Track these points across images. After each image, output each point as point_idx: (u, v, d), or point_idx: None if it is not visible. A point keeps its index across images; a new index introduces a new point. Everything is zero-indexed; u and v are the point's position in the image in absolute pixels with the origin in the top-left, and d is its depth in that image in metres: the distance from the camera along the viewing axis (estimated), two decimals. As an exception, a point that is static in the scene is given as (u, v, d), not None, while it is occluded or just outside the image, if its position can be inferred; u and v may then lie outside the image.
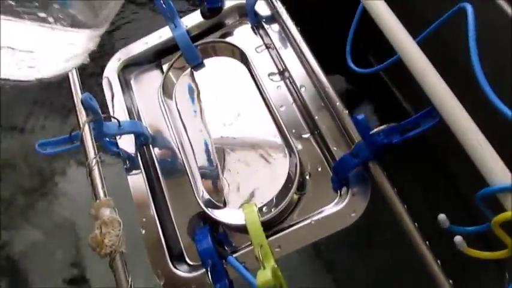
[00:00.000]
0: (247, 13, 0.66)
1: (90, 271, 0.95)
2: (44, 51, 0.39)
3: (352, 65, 0.54)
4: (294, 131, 0.57)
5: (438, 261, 0.43)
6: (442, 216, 0.40)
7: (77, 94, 0.50)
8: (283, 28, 0.61)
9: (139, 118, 0.64)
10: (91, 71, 0.99)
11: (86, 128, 0.48)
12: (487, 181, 0.36)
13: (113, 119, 0.54)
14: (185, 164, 0.57)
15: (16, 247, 1.01)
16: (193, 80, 0.65)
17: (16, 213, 1.04)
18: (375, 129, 0.43)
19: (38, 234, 1.02)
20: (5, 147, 1.14)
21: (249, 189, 0.55)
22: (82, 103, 0.49)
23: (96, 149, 0.47)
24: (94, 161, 0.45)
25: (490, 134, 0.37)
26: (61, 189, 1.05)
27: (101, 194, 0.43)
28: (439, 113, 0.39)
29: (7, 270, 0.99)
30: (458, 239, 0.39)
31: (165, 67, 0.67)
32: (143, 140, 0.61)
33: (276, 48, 0.61)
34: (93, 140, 0.47)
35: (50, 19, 0.37)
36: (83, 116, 0.49)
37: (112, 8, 0.42)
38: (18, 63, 0.38)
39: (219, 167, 0.58)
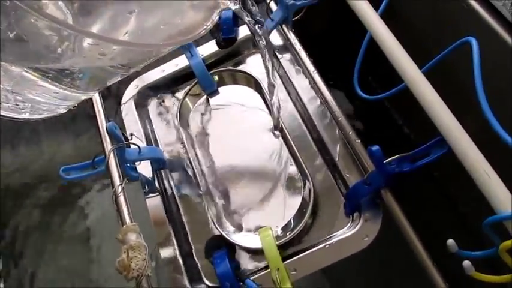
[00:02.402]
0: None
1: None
2: (43, 100, 0.41)
3: (359, 91, 0.57)
4: (307, 157, 0.59)
5: (447, 283, 0.45)
6: (451, 241, 0.42)
7: (102, 123, 0.53)
8: (296, 58, 0.63)
9: (156, 143, 0.66)
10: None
11: (111, 155, 0.50)
12: (494, 209, 0.38)
13: (133, 146, 0.56)
14: (201, 188, 0.59)
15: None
16: (209, 106, 0.68)
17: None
18: (388, 159, 0.46)
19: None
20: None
21: (265, 214, 0.57)
22: (107, 132, 0.51)
23: (121, 175, 0.49)
24: (120, 187, 0.48)
25: (490, 156, 0.39)
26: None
27: (127, 220, 0.46)
28: (448, 144, 0.42)
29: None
30: (466, 264, 0.41)
31: (181, 94, 0.69)
32: (161, 165, 0.63)
33: (288, 77, 0.64)
34: (119, 166, 0.50)
35: (62, 83, 0.39)
36: (108, 144, 0.51)
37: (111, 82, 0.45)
38: (14, 106, 0.40)
39: (234, 191, 0.60)
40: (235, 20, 0.69)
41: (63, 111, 0.45)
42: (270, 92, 0.60)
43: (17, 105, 0.40)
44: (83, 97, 0.43)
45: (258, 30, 0.58)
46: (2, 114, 0.40)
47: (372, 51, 0.50)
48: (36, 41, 0.33)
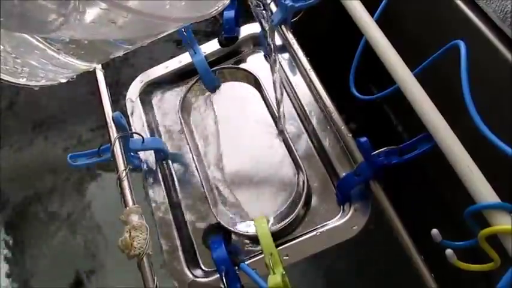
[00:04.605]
0: (260, 43, 0.73)
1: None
2: (41, 66, 0.41)
3: (355, 92, 0.59)
4: (301, 151, 0.63)
5: (432, 274, 0.47)
6: (434, 231, 0.44)
7: (108, 112, 0.56)
8: (294, 57, 0.66)
9: (159, 135, 0.70)
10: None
11: (117, 143, 0.53)
12: (475, 200, 0.40)
13: (137, 136, 0.59)
14: (201, 178, 0.62)
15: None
16: (210, 102, 0.71)
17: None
18: (376, 151, 0.49)
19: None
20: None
21: (260, 203, 0.60)
22: (113, 121, 0.54)
23: (125, 161, 0.52)
24: (124, 172, 0.50)
25: (478, 158, 0.41)
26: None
27: (130, 202, 0.48)
28: (434, 139, 0.44)
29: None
30: (449, 252, 0.43)
31: (183, 89, 0.72)
32: (163, 156, 0.66)
33: (286, 76, 0.67)
34: (123, 153, 0.52)
35: (59, 49, 0.39)
36: (113, 132, 0.54)
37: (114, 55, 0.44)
38: (13, 69, 0.40)
39: (232, 182, 0.63)
40: (237, 20, 0.72)
41: (61, 81, 0.45)
42: (274, 76, 0.62)
43: (16, 68, 0.39)
44: (84, 68, 0.44)
45: (264, 13, 0.59)
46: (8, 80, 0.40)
47: (372, 56, 0.52)
48: (40, 8, 0.32)
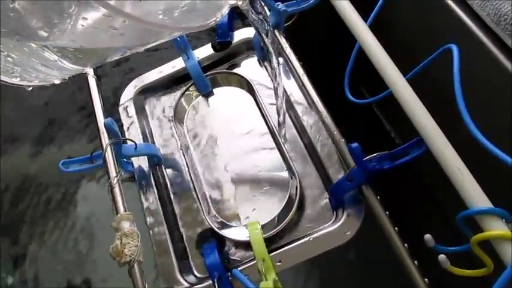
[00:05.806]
0: (254, 47, 0.73)
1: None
2: (34, 66, 0.40)
3: (349, 96, 0.59)
4: (295, 156, 0.63)
5: (426, 279, 0.47)
6: (427, 236, 0.44)
7: (100, 119, 0.56)
8: (287, 62, 0.66)
9: (152, 141, 0.69)
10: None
11: (108, 149, 0.53)
12: (467, 204, 0.40)
13: (130, 142, 0.59)
14: (194, 184, 0.62)
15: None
16: (203, 107, 0.71)
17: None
18: (368, 156, 0.48)
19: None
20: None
21: (253, 209, 0.60)
22: (105, 127, 0.54)
23: (117, 168, 0.52)
24: (115, 179, 0.50)
25: (471, 162, 0.41)
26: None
27: (121, 209, 0.48)
28: (426, 144, 0.44)
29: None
30: (442, 257, 0.42)
31: (177, 95, 0.72)
32: (156, 161, 0.66)
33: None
34: (115, 160, 0.52)
35: (57, 55, 0.39)
36: (105, 138, 0.54)
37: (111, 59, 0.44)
38: (5, 68, 0.39)
39: (225, 187, 0.63)
40: (231, 25, 0.72)
41: (55, 82, 0.45)
42: (276, 93, 0.61)
43: (8, 67, 0.39)
44: (78, 70, 0.43)
45: (265, 30, 0.57)
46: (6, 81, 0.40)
47: (367, 60, 0.52)
48: (38, 13, 0.32)
